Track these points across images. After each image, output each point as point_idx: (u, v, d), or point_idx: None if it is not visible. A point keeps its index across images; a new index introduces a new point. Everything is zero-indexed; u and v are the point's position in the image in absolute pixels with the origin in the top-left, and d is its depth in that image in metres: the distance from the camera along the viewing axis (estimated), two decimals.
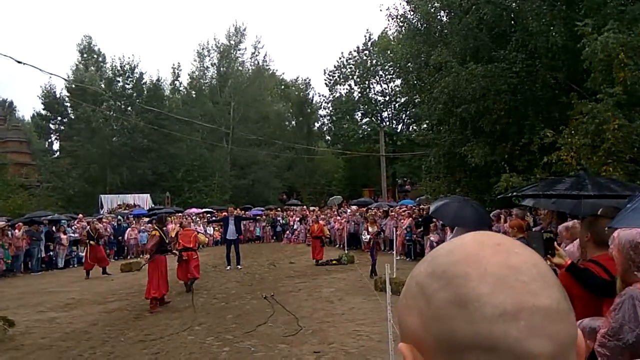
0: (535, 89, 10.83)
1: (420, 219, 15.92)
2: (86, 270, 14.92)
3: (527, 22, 10.27)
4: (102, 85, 37.16)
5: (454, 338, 0.45)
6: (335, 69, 42.28)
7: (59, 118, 40.54)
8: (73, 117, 38.45)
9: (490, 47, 11.83)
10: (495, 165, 11.73)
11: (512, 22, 11.85)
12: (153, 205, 29.44)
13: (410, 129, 39.43)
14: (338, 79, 42.32)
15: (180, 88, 43.98)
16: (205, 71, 43.72)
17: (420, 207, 18.90)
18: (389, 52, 37.63)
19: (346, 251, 16.46)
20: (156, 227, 10.13)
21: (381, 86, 41.60)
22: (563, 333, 0.46)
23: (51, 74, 30.77)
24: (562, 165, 8.43)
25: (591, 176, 5.30)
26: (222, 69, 42.76)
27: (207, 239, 16.73)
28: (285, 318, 8.09)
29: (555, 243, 3.16)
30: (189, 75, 44.31)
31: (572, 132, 8.24)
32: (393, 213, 18.89)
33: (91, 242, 15.28)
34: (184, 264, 11.17)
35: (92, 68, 38.43)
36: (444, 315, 0.47)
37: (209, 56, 43.45)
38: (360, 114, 42.91)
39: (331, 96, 43.27)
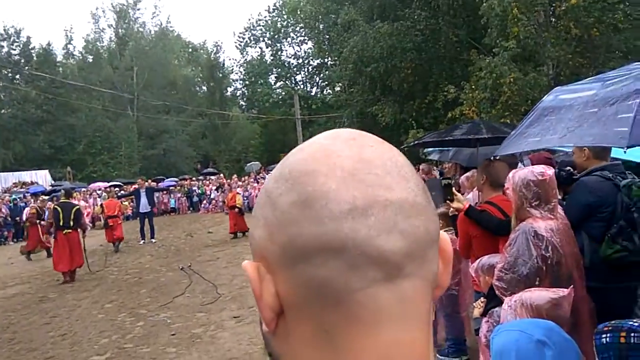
0: (439, 46, 11.22)
1: None
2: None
3: None
4: None
5: (299, 243, 0.39)
6: (245, 30, 40.96)
7: None
8: None
9: (395, 5, 11.99)
10: (405, 123, 12.13)
11: None
12: (53, 182, 27.22)
13: (325, 92, 39.60)
14: (249, 42, 41.10)
15: (75, 53, 40.42)
16: (102, 33, 40.58)
17: None
18: (299, 13, 37.02)
19: None
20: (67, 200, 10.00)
21: (293, 49, 41.11)
22: (419, 228, 0.40)
23: None
24: (464, 119, 8.88)
25: (486, 122, 5.62)
26: (120, 30, 39.80)
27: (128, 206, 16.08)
28: (203, 287, 7.93)
29: (454, 189, 3.30)
30: (83, 38, 40.97)
31: (473, 87, 8.66)
32: None
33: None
34: (110, 230, 12.84)
35: None
36: (288, 220, 0.40)
37: (105, 17, 40.29)
38: (274, 78, 42.23)
39: (243, 60, 42.06)
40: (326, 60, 23.71)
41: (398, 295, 0.39)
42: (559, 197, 2.70)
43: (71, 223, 9.53)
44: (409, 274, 0.40)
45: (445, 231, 4.45)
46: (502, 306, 2.54)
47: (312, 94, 40.91)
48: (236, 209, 14.64)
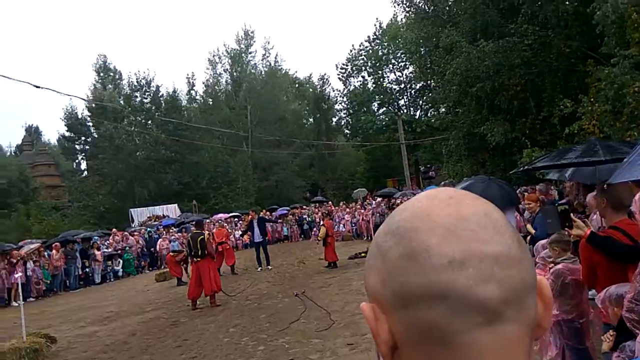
0: (550, 59, 10.58)
1: None
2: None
3: None
4: (121, 102, 37.97)
5: (407, 290, 0.46)
6: (347, 61, 42.07)
7: (83, 138, 41.55)
8: (96, 135, 39.41)
9: (499, 22, 11.60)
10: (517, 142, 11.52)
11: None
12: (180, 214, 29.94)
13: (429, 114, 38.93)
14: (351, 72, 42.08)
15: (197, 97, 44.61)
16: (219, 78, 44.20)
17: None
18: (399, 40, 37.22)
19: None
20: (198, 231, 10.78)
21: (395, 74, 41.23)
22: (514, 278, 0.46)
23: (70, 95, 31.68)
24: (584, 134, 8.22)
25: (602, 141, 5.16)
26: (235, 73, 43.11)
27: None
28: (317, 314, 8.14)
29: (572, 215, 3.10)
30: (203, 83, 44.89)
31: (592, 99, 8.01)
32: None
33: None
34: (220, 256, 13.46)
35: (110, 86, 39.30)
36: (397, 270, 0.48)
37: (221, 62, 43.90)
38: (376, 105, 42.58)
39: (346, 90, 43.12)
40: (429, 82, 23.33)
41: (498, 338, 0.45)
42: None
43: (198, 252, 10.24)
44: (507, 319, 0.45)
45: (565, 259, 4.19)
46: (635, 339, 2.35)
47: (416, 117, 40.47)
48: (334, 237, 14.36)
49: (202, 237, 10.61)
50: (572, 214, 3.10)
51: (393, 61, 40.51)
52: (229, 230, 18.63)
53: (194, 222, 12.13)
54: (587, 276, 3.18)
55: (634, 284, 2.39)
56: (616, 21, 7.22)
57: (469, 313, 0.44)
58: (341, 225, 24.02)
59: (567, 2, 9.56)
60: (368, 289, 0.53)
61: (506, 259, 0.46)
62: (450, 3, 14.10)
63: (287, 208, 30.39)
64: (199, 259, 10.24)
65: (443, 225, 0.47)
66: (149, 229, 23.54)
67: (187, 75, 43.96)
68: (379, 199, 23.44)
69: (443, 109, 24.62)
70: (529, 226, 6.57)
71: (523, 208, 9.20)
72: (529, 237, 6.33)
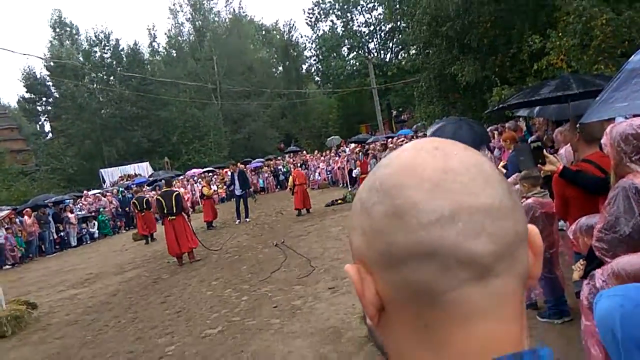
0: None
1: None
2: (143, 236, 15.37)
3: None
4: (80, 59, 36.25)
5: (394, 250, 0.44)
6: (314, 5, 40.74)
7: (44, 98, 39.90)
8: (57, 95, 37.85)
9: None
10: (488, 81, 11.52)
11: None
12: (153, 172, 29.52)
13: (399, 56, 38.49)
14: (319, 16, 40.88)
15: (159, 49, 42.90)
16: (181, 27, 42.48)
17: (418, 134, 18.80)
18: None
19: (350, 189, 16.59)
20: (169, 189, 10.56)
21: (364, 16, 40.26)
22: (507, 230, 0.44)
23: (26, 54, 29.95)
24: (553, 70, 8.24)
25: (576, 75, 5.17)
26: (197, 22, 41.38)
27: (212, 191, 16.80)
28: (297, 262, 8.28)
29: (545, 151, 3.14)
30: (165, 34, 43.11)
31: (560, 34, 7.98)
32: (392, 145, 18.80)
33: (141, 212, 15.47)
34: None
35: (68, 42, 37.36)
36: (383, 229, 0.45)
37: (182, 12, 41.98)
38: (346, 49, 41.76)
39: (314, 35, 42.01)
40: (399, 23, 22.86)
41: (489, 293, 0.43)
42: None
43: (174, 209, 10.10)
44: (499, 273, 0.43)
45: (535, 194, 4.30)
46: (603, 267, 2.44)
47: (387, 60, 39.96)
48: (304, 186, 14.80)
49: (177, 193, 10.50)
50: (544, 151, 3.12)
51: (362, 2, 39.43)
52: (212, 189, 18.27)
53: (163, 181, 11.92)
54: (560, 209, 3.27)
55: (603, 215, 2.45)
56: None
57: (459, 269, 0.42)
58: (317, 173, 24.13)
59: None
60: (353, 249, 0.50)
61: (497, 211, 0.44)
62: None
63: (262, 160, 30.24)
64: (174, 217, 10.06)
65: (430, 179, 0.44)
66: (121, 189, 23.20)
67: (148, 27, 41.94)
68: (352, 146, 23.49)
69: (413, 51, 24.33)
70: (501, 163, 6.70)
71: (493, 146, 9.37)
72: None
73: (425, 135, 12.31)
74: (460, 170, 0.44)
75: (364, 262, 0.47)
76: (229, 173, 16.10)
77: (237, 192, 15.15)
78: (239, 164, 19.48)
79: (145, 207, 15.47)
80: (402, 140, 18.91)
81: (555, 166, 3.01)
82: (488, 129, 10.39)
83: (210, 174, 27.44)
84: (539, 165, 3.04)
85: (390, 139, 21.29)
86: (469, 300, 0.43)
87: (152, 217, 15.48)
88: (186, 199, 22.77)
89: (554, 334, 4.03)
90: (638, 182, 2.40)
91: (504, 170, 6.39)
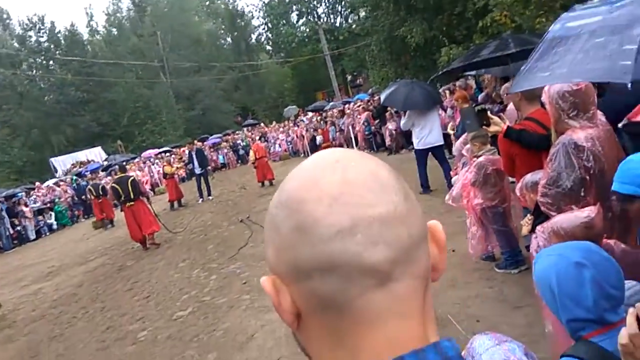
0: None
1: (375, 110, 16.00)
2: (101, 220, 15.27)
3: None
4: (15, 45, 34.09)
5: (299, 264, 0.46)
6: None
7: None
8: None
9: None
10: (436, 41, 11.64)
11: None
12: (107, 156, 28.56)
13: (349, 20, 38.11)
14: None
15: (98, 29, 40.71)
16: (119, 3, 40.32)
17: (374, 98, 18.90)
18: None
19: None
20: (123, 174, 10.33)
21: None
22: (402, 236, 0.47)
23: None
24: (497, 26, 8.42)
25: (514, 35, 5.32)
26: None
27: (174, 169, 16.45)
28: (264, 236, 8.32)
29: (489, 113, 3.26)
30: (103, 12, 40.93)
31: None
32: (349, 111, 18.88)
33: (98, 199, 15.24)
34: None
35: None
36: (289, 243, 0.47)
37: None
38: (295, 16, 40.95)
39: (261, 2, 40.88)
40: None
41: (391, 297, 0.46)
42: None
43: (131, 195, 9.82)
44: (398, 277, 0.46)
45: (485, 152, 4.47)
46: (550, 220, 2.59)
47: (337, 25, 39.48)
48: (264, 159, 14.92)
49: (132, 178, 10.24)
50: (488, 112, 3.24)
51: None
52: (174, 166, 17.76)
53: (117, 167, 11.57)
54: (507, 167, 3.42)
55: (546, 171, 2.59)
56: None
57: (361, 278, 0.45)
58: (277, 145, 24.00)
59: None
60: (267, 262, 0.52)
61: (393, 219, 0.47)
62: None
63: (220, 135, 29.72)
64: (132, 203, 9.80)
65: (329, 193, 0.46)
66: (74, 177, 22.39)
67: (84, 7, 39.67)
68: (310, 114, 23.41)
69: (363, 13, 24.13)
70: (450, 124, 6.87)
71: (446, 106, 9.58)
72: (452, 135, 6.67)
73: (380, 99, 12.37)
74: (358, 182, 0.47)
75: (278, 274, 0.50)
76: (187, 152, 15.77)
77: (197, 170, 14.93)
78: (195, 141, 19.13)
79: (101, 193, 15.09)
80: (359, 105, 19.02)
81: (500, 127, 3.14)
82: (440, 89, 10.60)
83: (168, 153, 26.77)
84: (484, 127, 3.15)
85: (347, 104, 21.36)
86: (373, 306, 0.46)
87: (109, 203, 15.13)
88: (144, 181, 22.33)
89: (511, 283, 4.28)
90: (576, 138, 2.54)
91: (452, 131, 6.58)
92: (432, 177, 8.34)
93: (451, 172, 6.91)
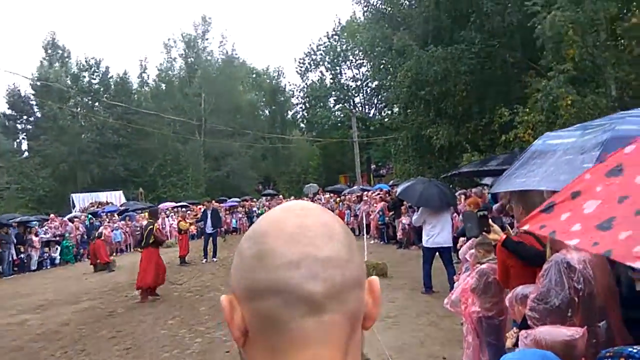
0: (495, 68, 11.07)
1: (391, 202, 16.14)
2: (105, 264, 15.34)
3: (482, 3, 10.46)
4: (68, 82, 36.28)
5: (254, 286, 0.56)
6: (305, 55, 42.08)
7: (25, 117, 39.43)
8: (39, 115, 37.50)
9: (451, 29, 12.00)
10: (460, 146, 11.99)
11: (469, 2, 12.04)
12: (125, 201, 29.03)
13: (382, 113, 39.62)
14: (309, 66, 42.15)
15: (149, 81, 43.27)
16: (173, 62, 43.06)
17: (393, 190, 19.12)
18: (357, 37, 37.60)
19: None
20: (151, 220, 10.56)
21: (352, 71, 41.66)
22: (336, 277, 0.55)
23: (12, 72, 29.95)
24: (520, 143, 8.68)
25: (524, 151, 5.49)
26: (189, 59, 42.12)
27: (187, 225, 16.60)
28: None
29: (490, 220, 3.32)
30: (156, 67, 43.56)
31: (528, 109, 8.47)
32: (366, 198, 19.09)
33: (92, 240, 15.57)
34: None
35: (57, 64, 37.43)
36: (248, 267, 0.57)
37: (176, 47, 42.77)
38: (333, 101, 42.88)
39: (303, 84, 43.15)
40: (384, 82, 23.81)
41: (321, 325, 0.55)
42: None
43: (142, 242, 10.14)
44: (329, 310, 0.55)
45: (490, 260, 4.45)
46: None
47: (370, 115, 41.07)
48: None
49: (151, 227, 10.36)
50: (490, 220, 3.31)
51: (351, 58, 40.90)
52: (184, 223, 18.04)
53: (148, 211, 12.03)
54: (501, 276, 3.42)
55: (537, 285, 2.60)
56: (553, 37, 7.67)
57: (298, 305, 0.54)
58: None
59: (512, 15, 9.98)
60: (231, 284, 0.62)
61: (332, 261, 0.56)
62: (404, 6, 14.42)
63: (238, 199, 30.12)
64: (141, 249, 10.07)
65: (288, 232, 0.57)
66: (90, 215, 22.68)
67: (140, 58, 42.46)
68: (327, 195, 23.67)
69: (396, 109, 25.16)
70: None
71: (460, 210, 9.65)
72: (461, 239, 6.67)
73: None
74: (312, 228, 0.57)
75: (235, 294, 0.59)
76: (202, 210, 15.99)
77: (208, 229, 15.03)
78: (213, 202, 19.42)
79: (97, 236, 15.42)
80: (377, 194, 19.23)
81: (499, 235, 3.19)
82: (457, 193, 10.75)
83: (184, 209, 27.15)
84: (483, 233, 3.21)
85: (365, 192, 21.62)
86: (306, 330, 0.55)
87: (103, 247, 15.37)
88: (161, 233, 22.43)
89: None
90: (570, 258, 2.58)
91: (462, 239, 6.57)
92: (436, 279, 8.23)
93: (454, 277, 6.83)
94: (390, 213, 15.89)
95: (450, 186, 10.01)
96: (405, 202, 13.58)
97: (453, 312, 5.02)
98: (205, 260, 14.87)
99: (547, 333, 2.34)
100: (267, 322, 0.55)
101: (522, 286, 2.88)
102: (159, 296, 9.92)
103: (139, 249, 10.21)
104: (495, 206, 8.12)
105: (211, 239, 15.04)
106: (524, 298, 2.78)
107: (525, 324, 2.69)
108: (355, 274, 0.58)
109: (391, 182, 24.82)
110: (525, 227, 2.31)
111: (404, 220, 14.15)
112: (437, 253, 8.07)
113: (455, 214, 9.37)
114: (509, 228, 3.56)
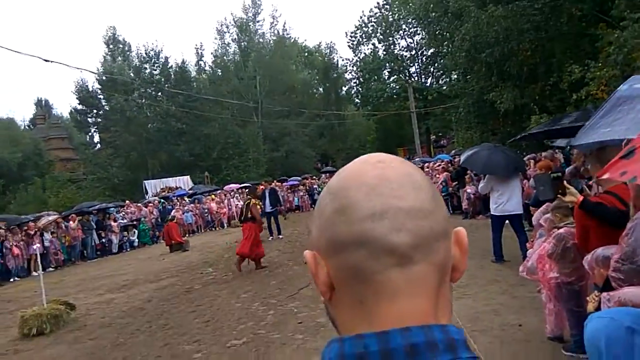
0: (561, 23, 10.34)
1: (454, 172, 15.74)
2: (179, 243, 16.33)
3: None
4: (131, 74, 37.98)
5: (337, 239, 0.56)
6: (356, 29, 41.27)
7: (95, 111, 41.81)
8: (107, 108, 39.64)
9: None
10: (527, 108, 11.41)
11: None
12: (193, 185, 30.31)
13: (440, 81, 38.36)
14: (361, 39, 41.35)
15: (206, 68, 44.36)
16: (227, 48, 43.77)
17: (455, 160, 18.61)
18: (410, 5, 36.35)
19: None
20: (249, 197, 11.59)
21: (406, 41, 40.46)
22: (423, 227, 0.55)
23: (80, 68, 31.81)
24: (593, 100, 8.12)
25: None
26: (242, 43, 42.66)
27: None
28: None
29: (565, 182, 3.16)
30: (211, 54, 44.51)
31: (600, 64, 7.88)
32: (427, 169, 18.73)
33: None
34: None
35: (120, 58, 39.23)
36: (330, 221, 0.57)
37: (229, 32, 43.42)
38: (387, 73, 41.95)
39: (356, 58, 42.50)
40: (440, 48, 22.99)
41: (408, 277, 0.54)
42: None
43: (242, 216, 11.03)
44: (416, 261, 0.54)
45: (567, 224, 4.25)
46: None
47: (427, 84, 39.87)
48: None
49: (248, 202, 11.21)
50: (564, 181, 3.15)
51: (404, 27, 39.67)
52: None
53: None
54: (580, 239, 3.28)
55: (621, 245, 2.47)
56: None
57: (384, 256, 0.54)
58: None
59: None
60: (311, 239, 0.62)
61: (417, 212, 0.55)
62: None
63: (298, 179, 30.55)
64: (241, 223, 11.04)
65: (368, 184, 0.56)
66: (162, 200, 23.92)
67: (196, 45, 43.54)
68: None
69: (455, 76, 24.27)
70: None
71: (529, 174, 9.25)
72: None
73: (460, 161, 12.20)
74: (393, 179, 0.56)
75: (319, 249, 0.59)
76: (262, 190, 16.41)
77: (267, 209, 15.46)
78: (274, 182, 19.85)
79: (170, 219, 16.29)
80: (439, 165, 18.82)
81: (576, 197, 3.04)
82: (525, 158, 10.27)
83: (247, 189, 27.93)
84: (559, 196, 3.07)
85: (426, 163, 21.20)
86: (392, 281, 0.54)
87: (176, 229, 16.20)
88: (222, 213, 23.34)
89: None
90: None
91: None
92: (506, 247, 7.99)
93: (527, 244, 6.61)
94: (454, 183, 15.52)
95: (518, 152, 9.58)
96: (469, 171, 13.21)
97: (529, 279, 4.89)
98: (271, 237, 15.31)
99: (633, 294, 2.23)
100: (353, 274, 0.55)
101: (603, 247, 2.75)
102: (265, 267, 10.50)
103: (239, 223, 11.11)
104: (568, 169, 7.70)
105: (272, 217, 15.47)
106: (605, 260, 2.65)
107: (608, 287, 2.58)
108: (442, 225, 0.57)
109: (453, 151, 24.13)
110: (605, 176, 2.12)
111: (469, 189, 13.78)
112: (506, 221, 7.82)
113: (524, 180, 9.00)
114: (587, 189, 3.38)
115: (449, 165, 17.82)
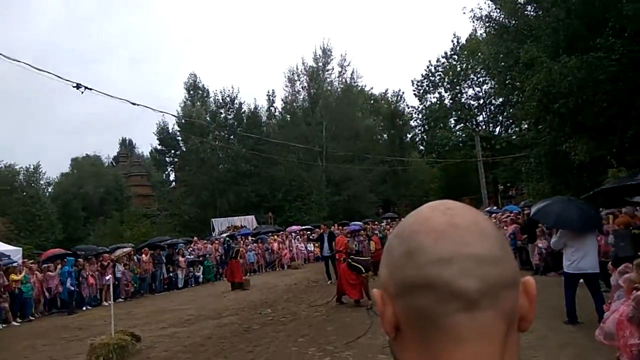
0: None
1: (524, 225, 15.04)
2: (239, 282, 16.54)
3: (621, 6, 9.49)
4: (207, 118, 40.28)
5: (405, 282, 0.58)
6: (423, 78, 41.70)
7: (173, 151, 44.48)
8: (184, 149, 42.02)
9: (585, 37, 11.06)
10: (604, 161, 10.84)
11: (605, 8, 10.98)
12: (257, 225, 31.01)
13: (510, 130, 37.38)
14: (427, 88, 41.64)
15: (276, 113, 46.15)
16: (297, 95, 45.43)
17: (525, 212, 17.81)
18: (479, 55, 36.26)
19: None
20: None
21: (473, 89, 40.21)
22: (491, 274, 0.56)
23: (163, 112, 34.23)
24: None
25: None
26: (312, 91, 44.12)
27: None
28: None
29: None
30: (282, 100, 46.36)
31: None
32: (495, 220, 18.02)
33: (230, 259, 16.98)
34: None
35: (198, 103, 41.79)
36: (399, 264, 0.59)
37: (299, 80, 45.16)
38: (453, 121, 41.67)
39: (421, 106, 42.64)
40: (510, 97, 22.63)
41: (475, 322, 0.55)
42: None
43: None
44: (484, 307, 0.55)
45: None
46: None
47: (495, 133, 38.99)
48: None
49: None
50: None
51: (472, 76, 39.53)
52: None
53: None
54: None
55: None
56: None
57: (451, 300, 0.55)
58: None
59: None
60: (380, 279, 0.64)
61: (486, 259, 0.56)
62: (532, 17, 13.64)
63: (360, 223, 30.32)
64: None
65: (437, 229, 0.58)
66: (227, 238, 24.60)
67: (268, 92, 45.44)
68: None
69: (525, 126, 23.59)
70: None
71: (607, 230, 8.67)
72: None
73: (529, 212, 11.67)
74: (462, 226, 0.58)
75: (387, 290, 0.61)
76: (321, 234, 16.44)
77: (325, 252, 15.39)
78: (336, 225, 19.86)
79: (233, 255, 16.48)
80: (507, 216, 18.06)
81: None
82: (603, 213, 9.66)
83: (309, 232, 28.20)
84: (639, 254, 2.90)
85: (493, 214, 20.44)
86: (459, 326, 0.55)
87: (238, 267, 16.40)
88: (283, 255, 23.62)
89: None
90: None
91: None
92: (580, 308, 7.45)
93: (604, 306, 6.16)
94: (523, 236, 14.80)
95: (594, 206, 9.03)
96: (540, 225, 12.58)
97: (606, 344, 4.55)
98: (330, 281, 15.22)
99: None
100: (419, 317, 0.56)
101: None
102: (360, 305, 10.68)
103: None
104: None
105: (330, 261, 15.38)
106: None
107: None
108: (510, 273, 0.58)
109: (522, 202, 23.16)
110: None
111: (540, 244, 13.07)
112: (580, 280, 7.33)
113: (600, 235, 8.45)
114: None
115: (518, 217, 17.07)
